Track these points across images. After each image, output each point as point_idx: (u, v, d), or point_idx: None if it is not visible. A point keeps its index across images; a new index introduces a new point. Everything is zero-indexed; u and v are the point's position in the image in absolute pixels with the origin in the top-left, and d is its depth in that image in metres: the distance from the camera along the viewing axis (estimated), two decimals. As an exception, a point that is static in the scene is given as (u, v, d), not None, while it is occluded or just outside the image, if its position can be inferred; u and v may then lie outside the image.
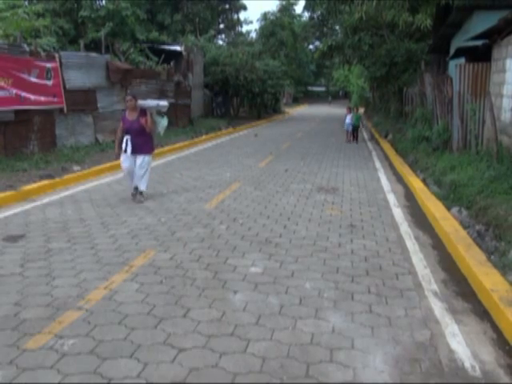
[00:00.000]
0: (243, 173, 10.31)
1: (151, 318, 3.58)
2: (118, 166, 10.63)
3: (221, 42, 41.09)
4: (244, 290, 4.09)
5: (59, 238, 5.54)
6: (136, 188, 7.57)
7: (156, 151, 13.42)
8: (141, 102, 7.45)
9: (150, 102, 7.62)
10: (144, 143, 7.39)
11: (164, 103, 7.62)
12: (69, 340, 3.23)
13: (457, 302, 3.92)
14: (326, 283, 4.26)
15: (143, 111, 7.35)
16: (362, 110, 41.90)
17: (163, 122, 7.78)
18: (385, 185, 9.12)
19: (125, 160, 7.47)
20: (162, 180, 9.41)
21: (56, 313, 3.63)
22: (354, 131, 17.47)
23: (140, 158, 7.40)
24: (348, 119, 17.41)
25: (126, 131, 7.38)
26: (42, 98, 11.20)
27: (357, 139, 17.58)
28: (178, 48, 22.20)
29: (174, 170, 10.62)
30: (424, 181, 8.75)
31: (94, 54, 14.17)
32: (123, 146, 7.36)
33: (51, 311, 3.66)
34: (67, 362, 2.97)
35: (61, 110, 12.05)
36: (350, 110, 17.85)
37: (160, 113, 7.71)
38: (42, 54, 11.90)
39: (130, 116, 7.39)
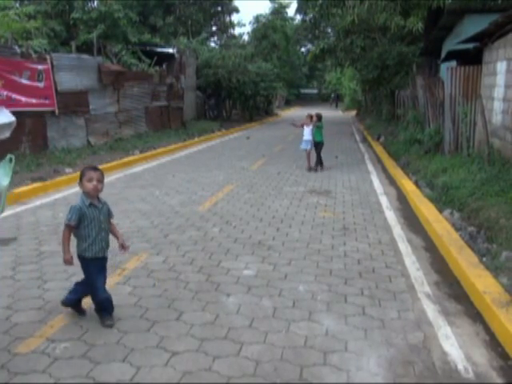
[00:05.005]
0: (236, 175, 10.30)
1: (144, 321, 3.56)
2: (110, 169, 10.65)
3: (213, 45, 41.07)
4: (237, 293, 4.08)
5: (51, 241, 5.49)
6: None
7: (149, 153, 13.59)
8: None
9: None
10: None
11: (7, 119, 3.27)
12: (61, 344, 3.21)
13: (449, 304, 3.93)
14: (319, 286, 4.26)
15: None
16: (353, 113, 41.95)
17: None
18: (377, 187, 9.14)
19: None
20: (155, 182, 9.37)
21: (48, 316, 3.61)
22: (318, 152, 11.00)
23: None
24: (307, 134, 10.83)
25: None
26: (34, 100, 11.14)
27: (322, 163, 11.06)
28: (170, 50, 22.14)
29: (166, 173, 10.58)
30: (416, 183, 8.78)
31: (85, 56, 14.12)
32: None
33: (43, 315, 3.63)
34: (59, 366, 2.95)
35: (52, 113, 11.98)
36: (311, 118, 10.91)
37: None
38: (34, 55, 11.84)
39: None
